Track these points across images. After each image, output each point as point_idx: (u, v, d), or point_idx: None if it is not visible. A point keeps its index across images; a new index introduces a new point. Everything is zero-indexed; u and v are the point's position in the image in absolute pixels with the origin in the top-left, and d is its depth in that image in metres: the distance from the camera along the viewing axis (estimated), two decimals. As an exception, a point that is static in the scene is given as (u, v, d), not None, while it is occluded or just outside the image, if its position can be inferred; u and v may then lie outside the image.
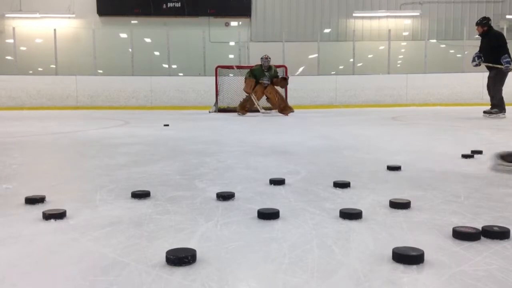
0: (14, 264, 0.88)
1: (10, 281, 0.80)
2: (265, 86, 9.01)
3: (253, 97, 8.88)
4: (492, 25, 7.35)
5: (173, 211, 1.30)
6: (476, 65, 7.32)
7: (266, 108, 9.27)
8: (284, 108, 8.86)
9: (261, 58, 9.15)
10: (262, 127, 5.43)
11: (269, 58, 9.12)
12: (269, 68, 9.11)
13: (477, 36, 7.49)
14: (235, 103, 9.78)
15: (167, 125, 5.48)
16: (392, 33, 14.75)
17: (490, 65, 7.09)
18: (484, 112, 7.32)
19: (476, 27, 7.37)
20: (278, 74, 9.34)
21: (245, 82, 9.16)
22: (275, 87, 9.10)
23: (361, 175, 1.89)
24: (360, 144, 3.34)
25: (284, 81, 9.17)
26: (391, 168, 2.01)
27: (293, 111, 8.93)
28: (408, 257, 0.84)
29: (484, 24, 7.23)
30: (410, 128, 5.21)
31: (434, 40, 16.36)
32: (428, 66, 14.17)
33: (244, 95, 9.19)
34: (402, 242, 0.98)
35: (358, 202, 1.38)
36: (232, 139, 3.82)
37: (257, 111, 9.01)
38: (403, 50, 16.88)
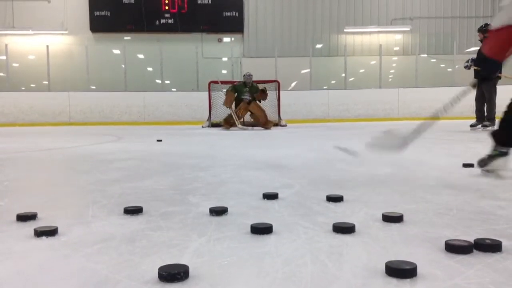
0: (5, 281, 0.87)
1: (1, 299, 0.79)
2: (249, 102, 9.36)
3: (233, 112, 9.21)
4: None
5: (165, 226, 1.29)
6: (466, 67, 7.41)
7: (248, 124, 9.54)
8: (265, 123, 9.22)
9: (244, 75, 9.73)
10: (255, 141, 5.44)
11: (251, 75, 9.61)
12: (252, 85, 9.59)
13: (466, 50, 7.61)
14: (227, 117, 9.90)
15: (160, 140, 5.47)
16: (383, 48, 14.90)
17: (477, 68, 7.19)
18: (471, 125, 7.38)
19: (477, 33, 7.47)
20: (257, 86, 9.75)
21: (225, 95, 9.52)
22: (258, 103, 9.46)
23: (354, 189, 1.89)
24: (353, 158, 3.35)
25: (263, 94, 9.56)
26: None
27: (273, 126, 9.39)
28: (401, 270, 0.84)
29: (484, 30, 7.35)
30: (403, 141, 5.22)
31: (425, 55, 16.54)
32: (419, 80, 14.31)
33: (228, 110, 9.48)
34: (395, 255, 0.98)
35: (351, 216, 1.38)
36: (225, 153, 3.82)
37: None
38: (394, 65, 17.04)
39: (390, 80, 16.26)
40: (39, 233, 1.17)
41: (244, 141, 5.59)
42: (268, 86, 11.07)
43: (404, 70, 15.79)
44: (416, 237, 1.14)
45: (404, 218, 1.31)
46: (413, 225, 1.26)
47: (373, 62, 15.62)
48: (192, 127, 10.42)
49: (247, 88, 9.47)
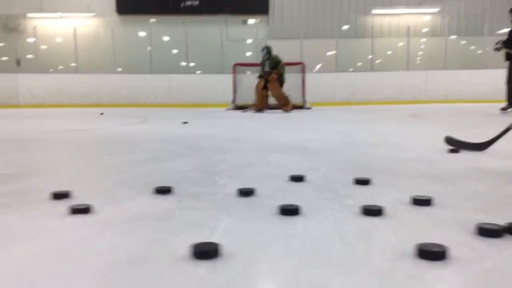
0: (41, 258, 0.91)
1: (37, 274, 0.82)
2: (266, 81, 9.27)
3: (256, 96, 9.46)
4: None
5: (195, 206, 1.31)
6: (496, 49, 7.23)
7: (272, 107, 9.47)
8: (283, 104, 9.13)
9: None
10: (280, 124, 5.43)
11: (266, 49, 9.52)
12: (269, 58, 9.46)
13: (498, 32, 7.40)
14: (253, 100, 9.84)
15: (186, 122, 5.52)
16: (412, 30, 14.58)
17: (508, 50, 7.01)
18: (502, 109, 7.20)
19: (509, 14, 7.26)
20: (279, 60, 9.46)
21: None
22: (274, 83, 9.27)
23: (381, 172, 1.88)
24: (379, 141, 3.32)
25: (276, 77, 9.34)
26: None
27: (293, 108, 9.30)
28: (431, 253, 0.84)
29: None
30: (430, 125, 5.15)
31: (455, 36, 16.11)
32: (448, 62, 13.98)
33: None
34: (424, 238, 0.97)
35: (379, 199, 1.38)
36: (250, 136, 3.83)
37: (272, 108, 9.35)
38: (422, 47, 16.66)
39: (418, 62, 15.92)
40: (73, 210, 1.21)
41: (268, 123, 5.59)
42: (293, 68, 10.97)
43: (433, 52, 15.42)
44: (445, 220, 1.14)
45: (433, 201, 1.30)
46: (442, 208, 1.25)
47: (401, 44, 15.30)
48: (217, 110, 10.45)
49: (266, 61, 9.49)
